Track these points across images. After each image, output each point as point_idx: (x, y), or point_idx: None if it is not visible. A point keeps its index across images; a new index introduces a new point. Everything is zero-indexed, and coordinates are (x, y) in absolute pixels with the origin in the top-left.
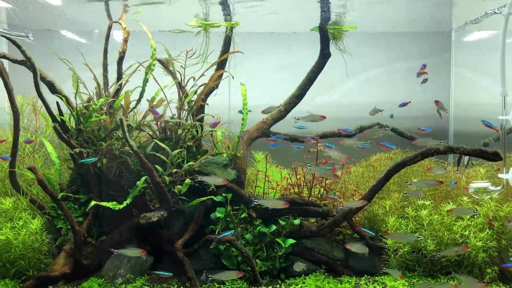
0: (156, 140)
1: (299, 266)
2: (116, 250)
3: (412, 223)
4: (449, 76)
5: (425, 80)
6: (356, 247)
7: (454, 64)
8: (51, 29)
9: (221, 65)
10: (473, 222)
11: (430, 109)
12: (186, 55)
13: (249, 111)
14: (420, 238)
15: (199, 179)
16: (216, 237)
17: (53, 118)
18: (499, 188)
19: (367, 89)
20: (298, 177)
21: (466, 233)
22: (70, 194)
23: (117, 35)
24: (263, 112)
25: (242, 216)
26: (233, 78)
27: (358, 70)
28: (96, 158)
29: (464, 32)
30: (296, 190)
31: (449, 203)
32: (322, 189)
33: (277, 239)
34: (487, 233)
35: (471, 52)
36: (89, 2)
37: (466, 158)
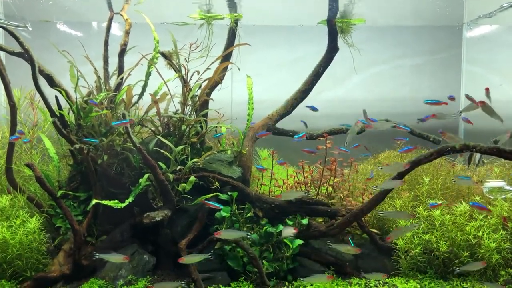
0: (159, 136)
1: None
2: (98, 254)
3: (424, 223)
4: (459, 72)
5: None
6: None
7: (465, 60)
8: (49, 21)
9: (225, 58)
10: (486, 223)
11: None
12: (190, 48)
13: None
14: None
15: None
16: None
17: (52, 113)
18: None
19: (373, 84)
20: (305, 175)
21: (479, 234)
22: (70, 192)
23: (115, 28)
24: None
25: (248, 215)
26: (239, 69)
27: (365, 65)
28: (98, 141)
29: (476, 26)
30: (303, 188)
31: (461, 203)
32: (330, 188)
33: (284, 240)
34: (501, 234)
35: (484, 47)
36: None
37: (477, 156)
